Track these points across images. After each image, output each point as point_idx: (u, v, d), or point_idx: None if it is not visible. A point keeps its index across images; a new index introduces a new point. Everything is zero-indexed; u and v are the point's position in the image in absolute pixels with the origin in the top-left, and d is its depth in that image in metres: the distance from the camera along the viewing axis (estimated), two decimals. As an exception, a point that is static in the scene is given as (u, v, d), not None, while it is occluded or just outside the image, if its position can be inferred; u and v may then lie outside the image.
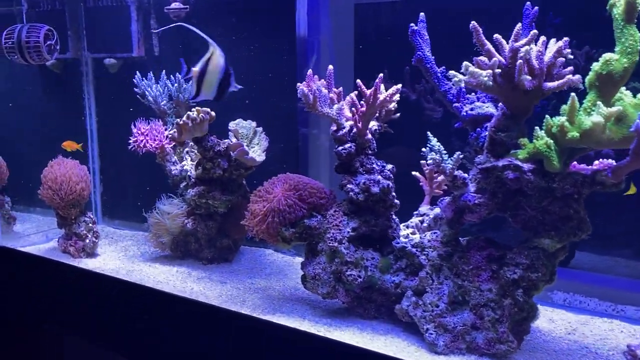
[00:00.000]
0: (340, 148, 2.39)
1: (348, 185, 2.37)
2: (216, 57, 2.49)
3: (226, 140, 2.97)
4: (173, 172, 3.20)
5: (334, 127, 2.45)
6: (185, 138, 2.93)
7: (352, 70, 3.21)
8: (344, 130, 2.39)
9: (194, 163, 3.17)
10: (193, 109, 2.91)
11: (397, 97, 2.29)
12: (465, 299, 2.14)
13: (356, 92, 2.39)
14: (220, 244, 3.15)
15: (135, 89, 3.37)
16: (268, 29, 3.24)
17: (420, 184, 2.50)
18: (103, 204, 3.99)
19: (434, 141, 2.17)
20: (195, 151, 3.21)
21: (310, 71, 2.50)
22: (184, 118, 2.86)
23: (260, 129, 3.08)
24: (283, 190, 2.47)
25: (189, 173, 3.13)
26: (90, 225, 3.26)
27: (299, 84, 2.46)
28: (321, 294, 2.41)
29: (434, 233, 2.28)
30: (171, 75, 3.33)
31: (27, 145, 4.17)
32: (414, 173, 2.52)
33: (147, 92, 3.25)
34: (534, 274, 2.03)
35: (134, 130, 3.14)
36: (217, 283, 2.89)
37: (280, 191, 2.47)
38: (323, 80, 2.51)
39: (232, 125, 3.03)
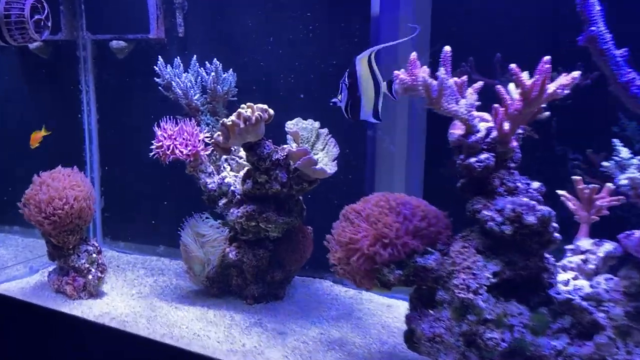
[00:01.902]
0: (472, 160, 1.73)
1: (485, 212, 1.71)
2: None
3: (285, 147, 2.28)
4: (209, 185, 2.48)
5: (457, 131, 1.79)
6: (234, 143, 2.22)
7: (427, 56, 2.54)
8: (479, 135, 1.73)
9: (238, 175, 2.46)
10: (244, 105, 2.20)
11: (568, 90, 1.63)
12: (668, 376, 1.51)
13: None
14: (271, 278, 2.45)
15: (157, 79, 2.64)
16: (332, 4, 2.55)
17: (571, 207, 1.86)
18: (104, 222, 3.23)
19: (624, 152, 1.53)
20: (238, 159, 2.50)
21: (414, 55, 1.85)
22: (233, 117, 2.15)
23: (324, 130, 2.39)
24: (383, 213, 1.79)
25: (232, 188, 2.41)
26: (94, 255, 2.52)
27: (397, 72, 1.82)
28: (444, 362, 1.74)
29: (610, 280, 1.64)
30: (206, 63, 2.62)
31: (5, 147, 3.38)
32: (560, 193, 1.87)
33: (174, 83, 2.52)
34: None
35: (158, 133, 2.41)
36: (274, 334, 2.20)
37: (380, 215, 1.79)
38: (425, 67, 1.85)
39: (290, 125, 2.33)
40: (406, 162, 2.57)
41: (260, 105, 2.16)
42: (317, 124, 2.40)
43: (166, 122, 2.44)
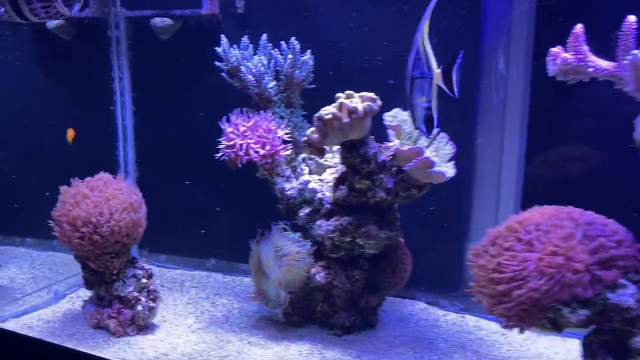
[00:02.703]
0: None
1: None
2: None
3: (390, 145, 1.84)
4: (288, 192, 2.04)
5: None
6: (332, 142, 1.78)
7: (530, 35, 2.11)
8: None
9: (322, 178, 2.02)
10: (340, 94, 1.76)
11: None
12: None
13: None
14: (365, 304, 2.03)
15: (219, 63, 2.18)
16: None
17: None
18: (140, 231, 2.77)
19: None
20: (318, 159, 2.07)
21: (579, 27, 1.46)
22: (333, 109, 1.71)
23: (429, 125, 1.95)
24: (564, 237, 1.38)
25: (318, 195, 1.97)
26: (144, 281, 2.06)
27: (554, 49, 1.43)
28: None
29: None
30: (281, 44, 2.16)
31: (16, 147, 2.90)
32: None
33: (243, 68, 2.07)
34: None
35: (228, 130, 1.95)
36: (382, 378, 1.78)
37: (559, 239, 1.37)
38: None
39: (389, 118, 1.89)
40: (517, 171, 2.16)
41: (367, 94, 1.72)
42: (420, 117, 1.96)
43: (237, 115, 1.98)
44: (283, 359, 1.88)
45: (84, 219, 1.87)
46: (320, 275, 1.96)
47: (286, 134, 1.97)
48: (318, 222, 1.95)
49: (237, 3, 2.35)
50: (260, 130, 1.95)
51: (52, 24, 2.54)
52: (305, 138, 1.80)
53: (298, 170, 2.08)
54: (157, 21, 2.42)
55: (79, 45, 2.62)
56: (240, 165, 1.98)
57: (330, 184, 1.99)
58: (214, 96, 2.46)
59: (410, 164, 1.77)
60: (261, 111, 2.08)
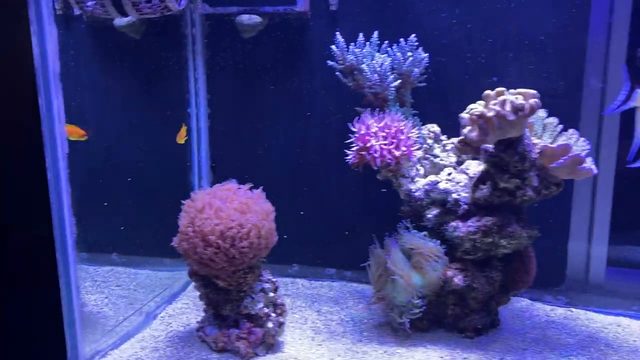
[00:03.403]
0: None
1: None
2: None
3: (537, 142, 1.82)
4: (415, 193, 1.98)
5: None
6: (491, 140, 1.74)
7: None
8: None
9: (451, 178, 1.98)
10: (497, 91, 1.73)
11: None
12: None
13: None
14: (496, 304, 2.01)
15: (332, 62, 2.09)
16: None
17: None
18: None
19: None
20: (433, 158, 2.03)
21: None
22: (495, 106, 1.67)
23: (553, 120, 1.96)
24: None
25: (454, 195, 1.93)
26: (271, 295, 1.94)
27: None
28: None
29: None
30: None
31: (84, 154, 2.67)
32: None
33: (365, 67, 1.99)
34: None
35: (361, 130, 1.88)
36: (541, 375, 1.77)
37: None
38: None
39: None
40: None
41: (528, 91, 1.70)
42: (544, 112, 1.97)
43: (368, 116, 1.90)
44: (429, 365, 1.83)
45: (219, 233, 1.74)
46: (458, 279, 1.92)
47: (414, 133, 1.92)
48: (453, 224, 1.91)
49: (330, 0, 2.27)
50: (392, 131, 1.89)
51: (121, 21, 2.36)
52: (461, 138, 1.75)
53: (415, 171, 2.03)
54: (245, 19, 2.29)
55: (149, 45, 2.44)
56: (375, 168, 1.91)
57: (462, 183, 1.95)
58: (299, 98, 2.37)
59: (561, 160, 1.77)
60: (376, 111, 2.02)
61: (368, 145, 1.86)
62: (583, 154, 1.88)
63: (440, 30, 2.22)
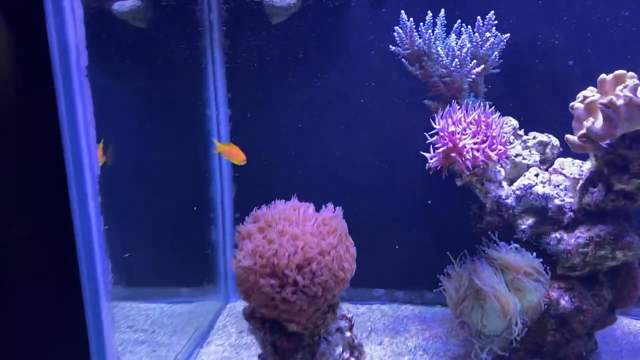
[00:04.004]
0: None
1: None
2: None
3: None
4: (506, 200, 1.66)
5: None
6: (620, 133, 1.44)
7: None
8: None
9: (537, 181, 1.67)
10: (617, 75, 1.43)
11: None
12: None
13: None
14: (601, 325, 1.71)
15: (394, 47, 1.74)
16: None
17: None
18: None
19: None
20: (513, 157, 1.72)
21: None
22: (628, 93, 1.37)
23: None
24: None
25: (556, 201, 1.62)
26: (347, 334, 1.57)
27: None
28: None
29: None
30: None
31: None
32: None
33: (441, 51, 1.65)
34: None
35: (450, 127, 1.53)
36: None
37: None
38: None
39: (630, 105, 1.59)
40: None
41: (660, 74, 1.41)
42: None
43: (456, 109, 1.57)
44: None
45: (295, 263, 1.35)
46: (565, 300, 1.61)
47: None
48: (556, 235, 1.61)
49: (376, -23, 1.92)
50: (483, 127, 1.57)
51: (122, 6, 1.93)
52: (583, 131, 1.44)
53: (496, 172, 1.72)
54: (277, 0, 1.91)
55: (156, 34, 2.02)
56: (467, 172, 1.58)
57: (562, 186, 1.65)
58: (338, 95, 2.02)
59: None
60: (452, 102, 1.68)
61: (460, 145, 1.52)
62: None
63: (505, 7, 1.90)
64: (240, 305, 2.14)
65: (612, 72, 1.48)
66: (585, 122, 1.43)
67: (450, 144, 1.54)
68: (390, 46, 1.75)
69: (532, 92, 1.92)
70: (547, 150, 1.77)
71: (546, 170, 1.74)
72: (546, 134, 1.78)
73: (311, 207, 1.49)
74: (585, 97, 1.48)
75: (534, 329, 1.68)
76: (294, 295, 1.36)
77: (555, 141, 1.76)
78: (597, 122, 1.43)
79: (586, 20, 1.88)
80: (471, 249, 1.81)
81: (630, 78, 1.42)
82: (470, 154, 1.53)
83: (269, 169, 2.14)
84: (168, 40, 2.03)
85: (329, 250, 1.37)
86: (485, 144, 1.55)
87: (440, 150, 1.55)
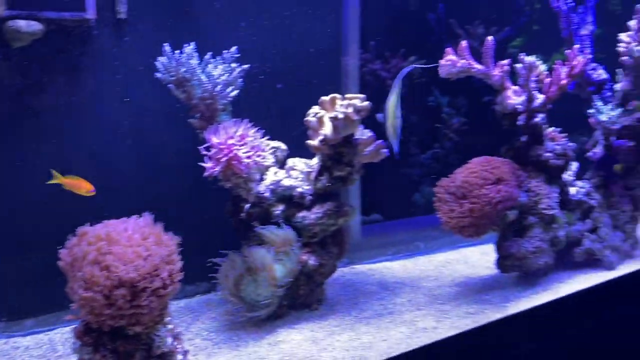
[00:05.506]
0: (536, 119, 2.43)
1: (545, 154, 2.46)
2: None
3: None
4: (263, 194, 2.14)
5: (513, 100, 2.43)
6: (341, 137, 2.07)
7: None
8: (539, 102, 2.42)
9: (291, 175, 2.21)
10: (334, 95, 2.09)
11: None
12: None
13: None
14: (330, 274, 2.38)
15: (159, 74, 1.97)
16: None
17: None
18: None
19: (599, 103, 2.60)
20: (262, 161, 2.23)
21: (464, 42, 2.38)
22: (344, 109, 2.03)
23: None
24: (507, 172, 2.30)
25: (298, 190, 2.18)
26: (170, 327, 1.76)
27: (452, 57, 2.33)
28: (543, 264, 2.43)
29: (587, 180, 2.70)
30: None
31: None
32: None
33: (204, 77, 1.98)
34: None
35: (226, 140, 1.91)
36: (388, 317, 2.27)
37: (508, 173, 2.29)
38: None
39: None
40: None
41: (359, 95, 2.11)
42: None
43: (230, 124, 1.95)
44: (315, 341, 2.06)
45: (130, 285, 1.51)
46: (313, 260, 2.20)
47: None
48: (301, 214, 2.18)
49: (118, 6, 2.09)
50: (250, 138, 2.01)
51: None
52: (321, 137, 2.02)
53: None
54: (23, 25, 1.87)
55: None
56: (245, 175, 1.98)
57: (300, 179, 2.22)
58: (83, 115, 2.12)
59: (371, 148, 2.27)
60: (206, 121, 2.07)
61: (238, 154, 1.91)
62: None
63: (232, 40, 2.34)
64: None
65: (309, 92, 2.13)
66: (321, 130, 2.04)
67: (231, 154, 1.91)
68: (156, 74, 1.98)
69: (260, 108, 2.43)
70: (278, 153, 2.32)
71: (280, 168, 2.29)
72: (276, 140, 2.32)
73: (131, 221, 1.65)
74: (316, 113, 2.08)
75: (292, 287, 2.22)
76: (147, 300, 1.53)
77: (283, 146, 2.33)
78: (329, 130, 2.05)
79: (289, 52, 2.50)
80: (235, 239, 2.23)
81: (340, 99, 2.09)
82: (245, 160, 1.94)
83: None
84: None
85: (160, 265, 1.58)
86: (252, 152, 1.99)
87: (224, 159, 1.91)
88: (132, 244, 1.56)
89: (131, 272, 1.51)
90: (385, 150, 2.29)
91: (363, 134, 2.26)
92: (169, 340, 1.72)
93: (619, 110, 2.64)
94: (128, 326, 1.57)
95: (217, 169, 1.93)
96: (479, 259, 2.84)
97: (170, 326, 1.77)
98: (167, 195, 2.28)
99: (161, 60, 1.98)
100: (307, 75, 2.54)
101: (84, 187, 1.84)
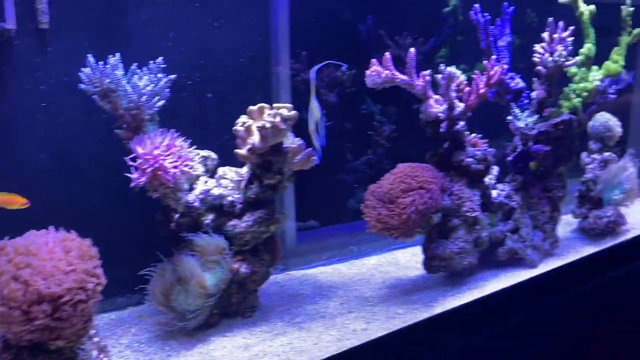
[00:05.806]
0: (458, 126, 2.55)
1: (466, 159, 2.59)
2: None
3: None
4: (193, 203, 2.14)
5: (435, 109, 2.54)
6: (269, 145, 2.11)
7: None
8: (459, 110, 2.54)
9: (221, 184, 2.23)
10: (262, 105, 2.13)
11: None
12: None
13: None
14: (263, 281, 2.41)
15: (84, 85, 1.95)
16: None
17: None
18: None
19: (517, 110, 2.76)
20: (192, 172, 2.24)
21: (387, 54, 2.48)
22: (271, 118, 2.07)
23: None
24: (430, 177, 2.40)
25: (228, 198, 2.20)
26: (96, 339, 1.75)
27: (377, 67, 2.43)
28: (467, 264, 2.55)
29: (508, 183, 2.86)
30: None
31: None
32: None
33: (129, 88, 1.98)
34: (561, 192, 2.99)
35: (153, 151, 1.91)
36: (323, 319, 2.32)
37: (431, 178, 2.39)
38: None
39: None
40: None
41: (287, 105, 2.15)
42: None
43: (157, 135, 1.95)
44: (247, 347, 2.09)
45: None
46: (244, 268, 2.22)
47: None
48: (232, 222, 2.20)
49: (40, 16, 2.06)
50: (177, 148, 2.01)
51: None
52: (247, 148, 2.05)
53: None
54: None
55: None
56: (172, 185, 1.98)
57: (229, 187, 2.25)
58: (7, 131, 2.08)
59: (301, 156, 2.32)
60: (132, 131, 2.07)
61: (164, 164, 1.92)
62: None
63: (161, 50, 2.34)
64: None
65: (239, 102, 2.17)
66: (249, 140, 2.07)
67: (157, 164, 1.92)
68: (81, 84, 1.96)
69: (190, 118, 2.44)
70: (209, 162, 2.33)
71: (211, 177, 2.31)
72: (205, 150, 2.34)
73: (51, 233, 1.63)
74: (244, 123, 2.11)
75: (224, 295, 2.24)
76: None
77: (213, 155, 2.34)
78: (257, 139, 2.08)
79: (218, 62, 2.52)
80: (166, 249, 2.22)
81: (268, 109, 2.13)
82: (172, 170, 1.95)
83: None
84: None
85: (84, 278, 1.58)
86: (179, 162, 2.00)
87: (149, 170, 1.91)
88: (52, 258, 1.55)
89: (52, 287, 1.50)
90: (314, 157, 2.35)
91: (293, 142, 2.31)
92: (94, 353, 1.71)
93: (535, 117, 2.81)
94: (49, 341, 1.55)
95: (143, 179, 1.92)
96: (409, 260, 2.94)
97: (96, 339, 1.76)
98: (97, 207, 2.25)
99: (85, 71, 1.96)
100: (237, 85, 2.57)
101: (17, 201, 1.80)
